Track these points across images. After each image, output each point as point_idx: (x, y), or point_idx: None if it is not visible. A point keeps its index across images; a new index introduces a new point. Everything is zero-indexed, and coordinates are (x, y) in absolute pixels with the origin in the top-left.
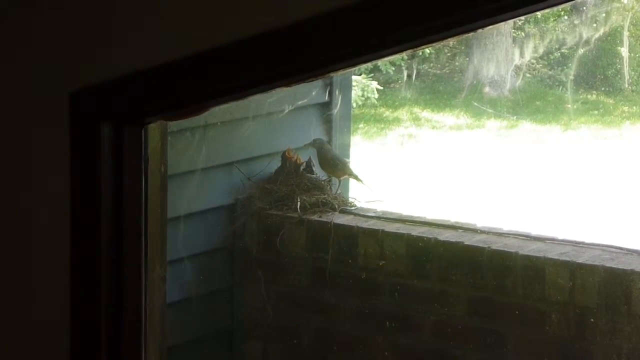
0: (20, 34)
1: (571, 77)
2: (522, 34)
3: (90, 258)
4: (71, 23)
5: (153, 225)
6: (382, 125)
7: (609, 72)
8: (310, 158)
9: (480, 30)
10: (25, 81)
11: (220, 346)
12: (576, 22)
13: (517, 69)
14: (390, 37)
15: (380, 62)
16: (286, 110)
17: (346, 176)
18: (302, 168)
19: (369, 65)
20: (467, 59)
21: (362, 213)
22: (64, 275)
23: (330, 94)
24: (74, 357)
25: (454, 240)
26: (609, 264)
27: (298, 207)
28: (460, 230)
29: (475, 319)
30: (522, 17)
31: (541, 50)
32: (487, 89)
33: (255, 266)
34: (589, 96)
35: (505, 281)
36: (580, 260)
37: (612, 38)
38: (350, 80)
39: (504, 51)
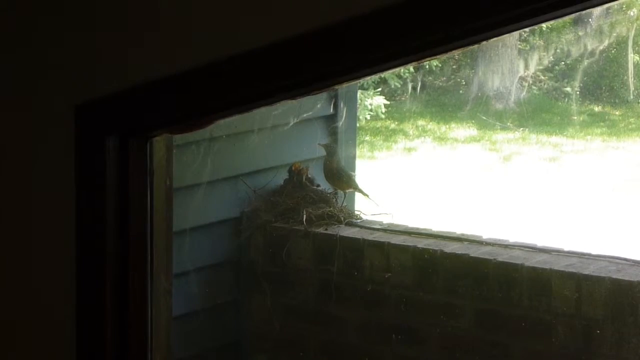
0: (26, 47)
1: (577, 89)
2: (527, 45)
3: (96, 271)
4: (77, 36)
5: (159, 238)
6: (388, 138)
7: (615, 84)
8: (307, 168)
9: (485, 42)
10: (31, 94)
11: (227, 359)
12: (581, 33)
13: (522, 80)
14: (395, 50)
15: (385, 75)
16: (291, 123)
17: (351, 189)
18: (304, 178)
19: (375, 78)
20: (473, 71)
21: (367, 225)
22: (69, 287)
23: (336, 106)
24: None
25: (459, 252)
26: (615, 276)
27: (304, 219)
28: (466, 242)
29: (481, 331)
30: (527, 29)
31: (546, 62)
32: (492, 101)
33: (261, 279)
34: (594, 108)
35: (511, 293)
36: (586, 272)
37: (617, 49)
38: (356, 93)
39: (509, 63)
